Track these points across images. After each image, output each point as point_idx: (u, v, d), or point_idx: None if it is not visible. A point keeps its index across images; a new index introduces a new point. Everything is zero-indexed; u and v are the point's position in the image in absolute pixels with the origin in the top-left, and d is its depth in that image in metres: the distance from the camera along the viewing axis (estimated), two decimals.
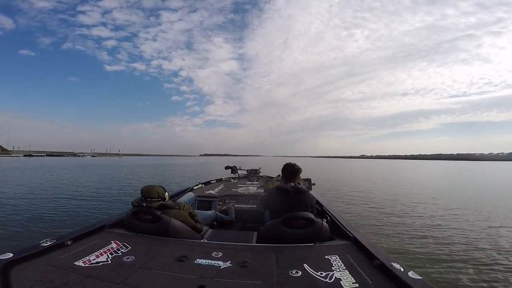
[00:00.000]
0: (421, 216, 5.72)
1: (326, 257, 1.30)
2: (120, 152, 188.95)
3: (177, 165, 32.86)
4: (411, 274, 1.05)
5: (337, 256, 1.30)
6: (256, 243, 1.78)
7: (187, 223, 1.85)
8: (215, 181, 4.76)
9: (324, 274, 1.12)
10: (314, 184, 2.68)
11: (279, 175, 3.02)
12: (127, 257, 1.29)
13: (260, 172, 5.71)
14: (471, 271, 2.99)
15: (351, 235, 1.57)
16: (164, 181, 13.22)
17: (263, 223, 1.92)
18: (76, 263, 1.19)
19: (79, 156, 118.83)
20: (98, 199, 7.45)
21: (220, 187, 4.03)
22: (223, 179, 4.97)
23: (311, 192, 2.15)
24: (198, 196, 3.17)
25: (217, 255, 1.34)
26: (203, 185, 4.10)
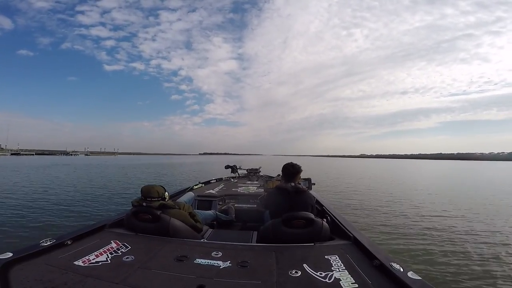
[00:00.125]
0: (421, 217, 5.72)
1: (326, 257, 1.30)
2: (116, 151, 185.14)
3: (173, 165, 30.22)
4: (410, 274, 1.05)
5: (336, 256, 1.30)
6: (256, 243, 1.78)
7: (187, 223, 1.85)
8: (215, 180, 4.76)
9: (323, 274, 1.12)
10: (314, 184, 2.68)
11: (279, 175, 3.02)
12: (126, 256, 1.29)
13: (260, 171, 5.70)
14: (471, 271, 2.99)
15: (351, 235, 1.57)
16: (164, 181, 13.22)
17: (263, 223, 1.92)
18: (76, 262, 1.19)
19: (71, 154, 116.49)
20: (98, 199, 7.45)
21: (220, 187, 4.03)
22: (223, 179, 4.97)
23: (311, 191, 2.15)
24: (198, 196, 3.17)
25: (217, 255, 1.34)
26: (203, 185, 4.11)
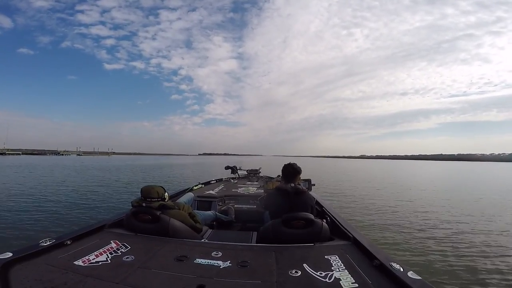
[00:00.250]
0: (421, 217, 5.72)
1: (325, 257, 1.30)
2: (110, 151, 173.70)
3: (169, 167, 27.24)
4: (410, 274, 1.05)
5: (336, 256, 1.30)
6: (256, 243, 1.78)
7: (187, 223, 1.85)
8: (215, 181, 4.76)
9: (323, 274, 1.12)
10: (314, 185, 2.69)
11: (279, 176, 3.02)
12: (126, 256, 1.29)
13: (260, 172, 5.71)
14: (471, 271, 2.99)
15: (351, 235, 1.57)
16: (164, 181, 13.22)
17: (263, 224, 1.92)
18: (76, 262, 1.19)
19: (62, 154, 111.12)
20: (98, 199, 7.44)
21: (220, 187, 4.03)
22: (223, 179, 4.97)
23: (311, 192, 2.16)
24: (198, 196, 3.17)
25: (217, 254, 1.34)
26: (203, 185, 4.10)
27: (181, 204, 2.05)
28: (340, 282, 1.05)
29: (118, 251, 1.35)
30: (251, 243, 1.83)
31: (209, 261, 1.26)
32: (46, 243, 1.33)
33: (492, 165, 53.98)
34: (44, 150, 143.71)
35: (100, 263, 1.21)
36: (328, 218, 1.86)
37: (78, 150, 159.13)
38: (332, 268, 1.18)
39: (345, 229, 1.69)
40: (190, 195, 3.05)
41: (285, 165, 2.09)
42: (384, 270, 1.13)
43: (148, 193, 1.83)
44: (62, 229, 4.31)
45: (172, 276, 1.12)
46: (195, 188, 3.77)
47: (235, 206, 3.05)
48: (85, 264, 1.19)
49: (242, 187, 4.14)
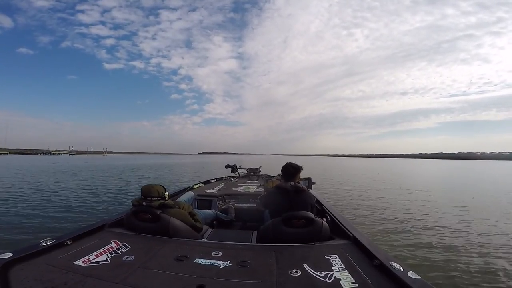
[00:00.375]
0: (422, 216, 5.72)
1: (326, 256, 1.30)
2: (105, 150, 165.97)
3: (162, 167, 24.74)
4: (410, 274, 1.05)
5: (336, 256, 1.30)
6: (256, 242, 1.78)
7: (187, 222, 1.85)
8: (215, 180, 4.76)
9: (323, 273, 1.12)
10: (314, 183, 2.68)
11: (279, 174, 3.02)
12: (126, 256, 1.29)
13: (260, 171, 5.71)
14: (471, 271, 2.99)
15: (351, 235, 1.57)
16: (164, 180, 13.23)
17: (263, 222, 1.92)
18: (76, 262, 1.19)
19: (53, 154, 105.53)
20: (98, 199, 7.45)
21: (220, 186, 4.03)
22: (223, 178, 4.97)
23: (311, 191, 2.15)
24: (198, 195, 3.17)
25: (217, 254, 1.34)
26: (203, 184, 4.11)
27: (181, 203, 2.05)
28: (340, 282, 1.05)
29: (118, 251, 1.35)
30: (251, 242, 1.83)
31: (209, 261, 1.26)
32: (46, 243, 1.33)
33: (492, 163, 53.82)
34: (35, 149, 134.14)
35: (100, 263, 1.21)
36: (328, 217, 1.86)
37: (71, 149, 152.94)
38: (332, 268, 1.18)
39: (345, 228, 1.69)
40: (190, 194, 3.05)
41: (285, 164, 2.09)
42: (384, 270, 1.13)
43: (148, 192, 1.83)
44: (62, 229, 4.31)
45: (172, 276, 1.12)
46: (195, 187, 3.77)
47: (235, 204, 3.05)
48: (85, 264, 1.19)
49: (242, 186, 4.14)
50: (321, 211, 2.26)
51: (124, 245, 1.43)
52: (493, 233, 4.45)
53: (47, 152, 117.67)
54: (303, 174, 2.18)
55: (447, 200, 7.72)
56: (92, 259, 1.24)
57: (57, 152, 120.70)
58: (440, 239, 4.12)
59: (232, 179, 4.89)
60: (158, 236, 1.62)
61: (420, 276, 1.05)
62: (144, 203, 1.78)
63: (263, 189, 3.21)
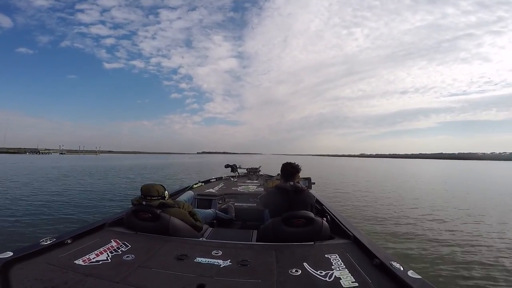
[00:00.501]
0: (422, 216, 5.72)
1: (326, 256, 1.30)
2: (98, 149, 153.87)
3: (156, 168, 22.06)
4: (410, 273, 1.05)
5: (337, 255, 1.30)
6: (256, 241, 1.78)
7: (187, 222, 1.85)
8: (215, 179, 4.76)
9: (323, 273, 1.12)
10: (314, 183, 2.68)
11: (279, 174, 3.02)
12: (127, 255, 1.29)
13: (260, 170, 5.71)
14: (471, 271, 3.00)
15: (351, 234, 1.57)
16: (164, 180, 13.23)
17: (263, 222, 1.92)
18: (76, 261, 1.19)
19: (42, 153, 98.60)
20: (98, 198, 7.45)
21: (220, 186, 4.03)
22: (223, 178, 4.97)
23: (311, 191, 2.16)
24: (198, 195, 3.17)
25: (217, 253, 1.34)
26: (203, 184, 4.11)
27: (181, 202, 2.05)
28: (340, 281, 1.05)
29: (119, 250, 1.35)
30: (251, 241, 1.83)
31: (209, 260, 1.26)
32: (46, 242, 1.33)
33: (493, 164, 53.76)
34: (22, 148, 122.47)
35: (101, 262, 1.21)
36: (328, 217, 1.86)
37: (61, 148, 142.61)
38: (332, 267, 1.18)
39: (345, 227, 1.69)
40: (190, 193, 3.05)
41: (284, 163, 2.09)
42: (384, 269, 1.13)
43: (148, 192, 1.83)
44: (62, 228, 4.31)
45: (172, 275, 1.12)
46: (195, 186, 3.77)
47: (235, 204, 3.05)
48: (86, 263, 1.19)
49: (242, 185, 4.14)
50: (321, 210, 2.26)
51: (124, 244, 1.43)
52: (494, 233, 4.45)
53: (35, 151, 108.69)
54: (302, 174, 2.18)
55: (447, 200, 7.73)
56: (93, 258, 1.24)
57: (46, 151, 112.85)
58: (440, 238, 4.13)
59: (232, 179, 4.90)
60: (158, 235, 1.62)
61: (420, 275, 1.05)
62: (144, 203, 1.78)
63: (262, 189, 3.21)
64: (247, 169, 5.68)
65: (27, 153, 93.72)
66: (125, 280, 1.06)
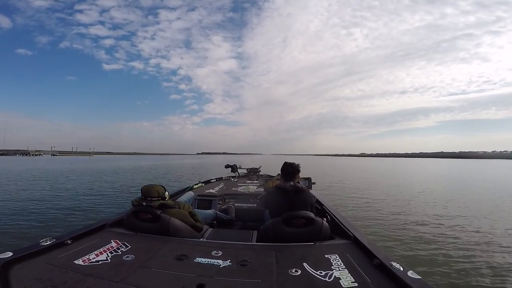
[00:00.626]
0: (422, 216, 5.72)
1: (326, 256, 1.30)
2: (92, 150, 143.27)
3: (148, 169, 20.88)
4: (410, 273, 1.05)
5: (337, 255, 1.30)
6: (256, 242, 1.78)
7: (187, 222, 1.85)
8: (215, 180, 4.76)
9: (323, 273, 1.12)
10: (314, 183, 2.67)
11: (279, 174, 3.01)
12: (127, 256, 1.29)
13: (260, 171, 5.70)
14: (470, 271, 3.00)
15: (351, 234, 1.57)
16: (164, 180, 13.24)
17: (263, 222, 1.92)
18: (76, 262, 1.20)
19: (32, 155, 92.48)
20: (98, 198, 7.46)
21: (220, 186, 4.03)
22: (223, 178, 4.97)
23: (311, 191, 2.15)
24: (198, 195, 3.17)
25: (217, 254, 1.34)
26: (203, 184, 4.11)
27: (182, 203, 2.05)
28: (340, 281, 1.05)
29: (119, 251, 1.35)
30: (251, 242, 1.83)
31: (209, 260, 1.27)
32: (46, 242, 1.33)
33: (494, 162, 53.57)
34: (11, 150, 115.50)
35: (100, 262, 1.21)
36: (329, 217, 1.86)
37: (53, 149, 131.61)
38: (332, 267, 1.18)
39: (346, 227, 1.69)
40: (190, 194, 3.05)
41: (284, 163, 2.09)
42: (384, 269, 1.13)
43: (148, 192, 1.83)
44: (62, 228, 4.32)
45: (172, 275, 1.12)
46: (195, 187, 3.77)
47: (235, 204, 3.05)
48: (85, 264, 1.19)
49: (242, 185, 4.14)
50: (321, 211, 2.26)
51: (124, 244, 1.43)
52: (494, 233, 4.44)
53: (24, 153, 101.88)
54: (302, 174, 2.18)
55: (448, 200, 7.72)
56: (92, 259, 1.24)
57: (36, 153, 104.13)
58: (440, 239, 4.12)
59: (232, 179, 4.89)
60: (158, 235, 1.63)
61: (420, 275, 1.05)
62: (144, 203, 1.78)
63: (263, 189, 3.21)
64: (247, 169, 5.68)
65: (17, 155, 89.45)
66: (125, 280, 1.06)
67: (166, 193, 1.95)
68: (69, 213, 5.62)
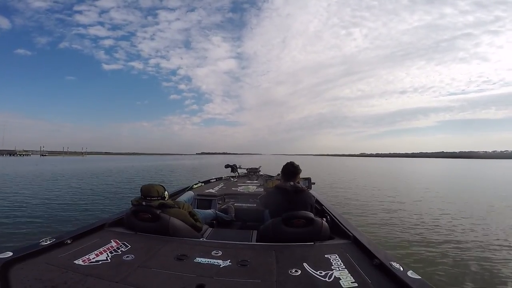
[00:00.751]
0: (422, 216, 5.72)
1: (325, 256, 1.30)
2: (84, 151, 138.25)
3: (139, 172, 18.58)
4: (410, 273, 1.05)
5: (336, 255, 1.30)
6: (256, 242, 1.78)
7: (187, 222, 1.85)
8: (215, 180, 4.76)
9: (323, 273, 1.12)
10: (314, 183, 2.68)
11: (279, 174, 3.01)
12: (126, 255, 1.29)
13: (260, 171, 5.70)
14: (470, 271, 3.00)
15: (351, 234, 1.57)
16: (164, 180, 13.25)
17: (263, 222, 1.92)
18: (76, 262, 1.20)
19: (19, 155, 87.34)
20: (98, 198, 7.46)
21: (220, 186, 4.03)
22: (223, 178, 4.96)
23: (311, 191, 2.15)
24: (198, 195, 3.17)
25: (217, 254, 1.34)
26: (203, 184, 4.11)
27: (181, 202, 2.05)
28: (340, 281, 1.05)
29: (118, 250, 1.35)
30: (251, 242, 1.83)
31: (209, 260, 1.27)
32: (46, 242, 1.33)
33: (495, 162, 53.43)
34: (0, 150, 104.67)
35: (100, 262, 1.21)
36: (328, 217, 1.86)
37: (42, 149, 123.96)
38: (332, 267, 1.18)
39: (345, 228, 1.69)
40: (190, 193, 3.05)
41: (285, 163, 2.09)
42: (384, 269, 1.13)
43: (148, 192, 1.83)
44: (62, 228, 4.32)
45: (172, 275, 1.12)
46: (195, 186, 3.77)
47: (235, 204, 3.05)
48: (85, 263, 1.19)
49: (242, 185, 4.14)
50: (321, 211, 2.26)
51: (124, 244, 1.43)
52: (495, 233, 4.44)
53: (12, 153, 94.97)
54: (302, 174, 2.18)
55: (448, 201, 7.71)
56: (92, 258, 1.24)
57: (25, 153, 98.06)
58: (440, 239, 4.13)
59: (232, 179, 4.89)
60: (158, 235, 1.63)
61: (419, 275, 1.05)
62: (143, 203, 1.78)
63: (262, 189, 3.21)
64: (247, 169, 5.68)
65: (3, 155, 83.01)
66: (124, 280, 1.06)
67: (166, 192, 1.95)
68: (68, 212, 5.62)
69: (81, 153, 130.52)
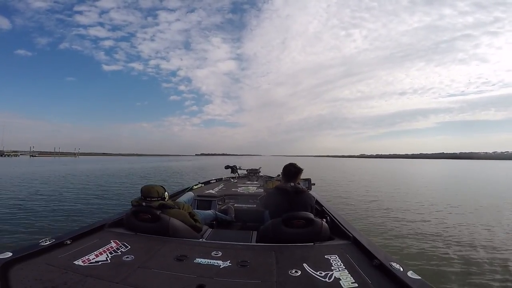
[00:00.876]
0: (422, 217, 5.71)
1: (325, 256, 1.30)
2: (77, 151, 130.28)
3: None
4: (410, 274, 1.05)
5: (336, 256, 1.30)
6: (256, 242, 1.78)
7: (187, 223, 1.85)
8: (215, 180, 4.76)
9: (323, 273, 1.12)
10: (314, 184, 2.68)
11: (279, 175, 3.02)
12: (126, 256, 1.29)
13: (260, 171, 5.71)
14: (470, 271, 2.99)
15: (351, 235, 1.57)
16: (164, 180, 13.24)
17: (262, 223, 1.92)
18: (76, 262, 1.19)
19: (6, 155, 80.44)
20: (98, 199, 7.46)
21: (220, 187, 4.03)
22: (223, 179, 4.97)
23: (311, 192, 2.16)
24: (198, 196, 3.17)
25: (217, 254, 1.34)
26: (203, 185, 4.11)
27: (181, 203, 2.05)
28: (340, 282, 1.05)
29: (118, 251, 1.35)
30: (251, 242, 1.83)
31: (209, 260, 1.26)
32: (46, 242, 1.33)
33: (496, 163, 53.30)
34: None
35: (100, 262, 1.21)
36: (328, 218, 1.86)
37: (32, 150, 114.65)
38: (332, 267, 1.18)
39: (345, 228, 1.69)
40: (190, 194, 3.05)
41: (286, 164, 2.09)
42: (384, 270, 1.13)
43: (148, 193, 1.83)
44: (62, 228, 4.31)
45: (172, 275, 1.12)
46: (195, 187, 3.77)
47: (235, 205, 3.05)
48: (85, 264, 1.19)
49: (242, 186, 4.14)
50: (321, 211, 2.26)
51: (124, 245, 1.43)
52: (495, 234, 4.43)
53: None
54: (302, 175, 2.19)
55: (449, 201, 7.69)
56: (92, 259, 1.24)
57: (13, 154, 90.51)
58: (440, 239, 4.12)
59: (232, 180, 4.90)
60: (158, 236, 1.62)
61: (420, 276, 1.05)
62: (143, 204, 1.78)
63: (262, 190, 3.21)
64: (247, 170, 5.68)
65: None
66: (124, 281, 1.06)
67: (166, 193, 1.95)
68: (68, 212, 5.60)
69: (74, 154, 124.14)
